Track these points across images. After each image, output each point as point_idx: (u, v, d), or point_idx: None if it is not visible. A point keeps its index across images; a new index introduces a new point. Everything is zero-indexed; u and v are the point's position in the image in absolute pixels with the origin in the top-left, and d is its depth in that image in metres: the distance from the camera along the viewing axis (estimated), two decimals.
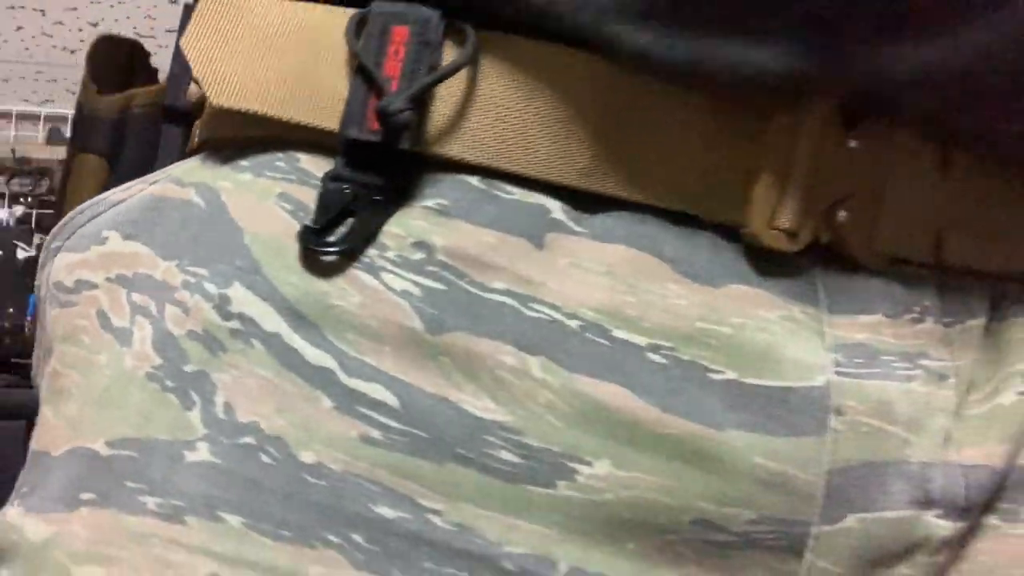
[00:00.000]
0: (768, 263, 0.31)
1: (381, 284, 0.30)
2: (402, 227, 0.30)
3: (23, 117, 3.21)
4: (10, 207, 2.94)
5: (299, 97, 0.31)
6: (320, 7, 0.32)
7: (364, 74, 0.30)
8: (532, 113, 0.31)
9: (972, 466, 0.31)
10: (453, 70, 0.30)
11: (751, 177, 0.31)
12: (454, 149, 0.30)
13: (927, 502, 0.31)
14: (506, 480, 0.29)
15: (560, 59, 0.31)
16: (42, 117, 3.20)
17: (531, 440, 0.29)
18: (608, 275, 0.30)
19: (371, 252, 0.30)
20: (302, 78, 0.31)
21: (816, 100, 0.31)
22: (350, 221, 0.30)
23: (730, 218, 0.31)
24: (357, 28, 0.31)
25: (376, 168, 0.30)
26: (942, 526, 0.31)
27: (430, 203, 0.31)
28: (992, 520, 0.32)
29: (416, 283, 0.30)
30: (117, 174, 0.47)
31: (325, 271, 0.30)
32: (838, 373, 0.30)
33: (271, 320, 0.30)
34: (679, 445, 0.30)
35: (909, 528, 0.31)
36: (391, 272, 0.30)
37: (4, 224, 2.86)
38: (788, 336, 0.31)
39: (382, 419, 0.29)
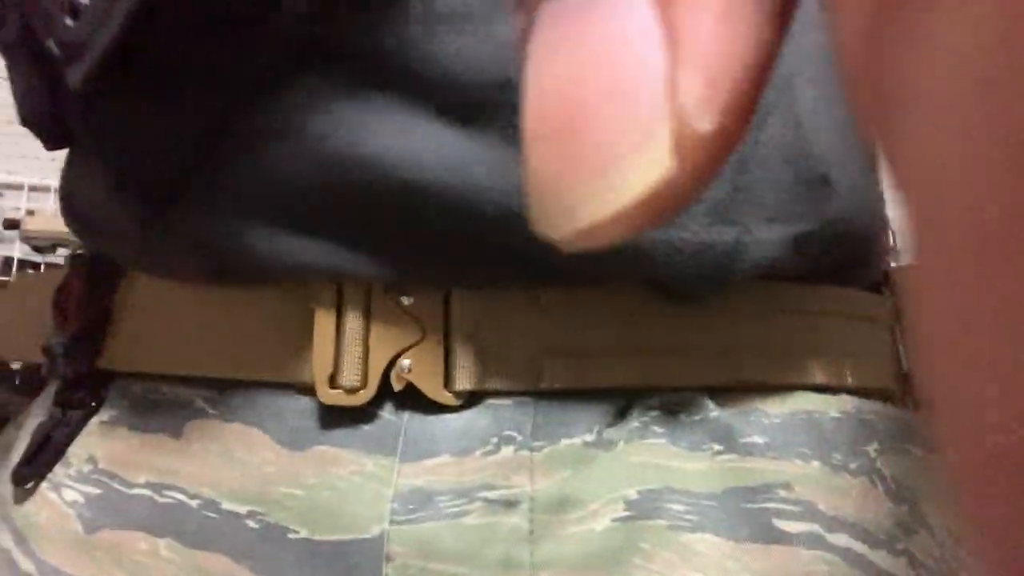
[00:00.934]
0: (352, 419, 0.34)
1: (59, 498, 0.37)
2: (80, 444, 0.38)
3: None
4: None
5: None
6: None
7: None
8: (174, 320, 0.37)
9: None
10: None
11: (313, 344, 0.35)
12: (124, 364, 0.38)
13: None
14: None
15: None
16: None
17: None
18: (223, 453, 0.35)
19: (59, 470, 0.38)
20: None
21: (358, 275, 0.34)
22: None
23: (305, 383, 0.35)
24: None
25: (72, 396, 0.38)
26: None
27: (105, 416, 0.38)
28: None
29: (82, 492, 0.37)
30: None
31: (29, 493, 0.38)
32: (392, 522, 0.33)
33: (5, 538, 0.38)
34: None
35: None
36: (68, 486, 0.37)
37: None
38: (353, 491, 0.33)
39: None
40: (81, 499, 0.36)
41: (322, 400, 0.34)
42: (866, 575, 0.34)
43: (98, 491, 0.36)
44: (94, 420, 0.38)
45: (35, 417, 0.40)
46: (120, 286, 0.39)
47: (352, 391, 0.34)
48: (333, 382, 0.34)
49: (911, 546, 0.35)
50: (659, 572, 0.33)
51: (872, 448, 0.37)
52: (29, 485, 0.38)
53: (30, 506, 0.38)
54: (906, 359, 0.44)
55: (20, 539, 0.37)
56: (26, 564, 0.36)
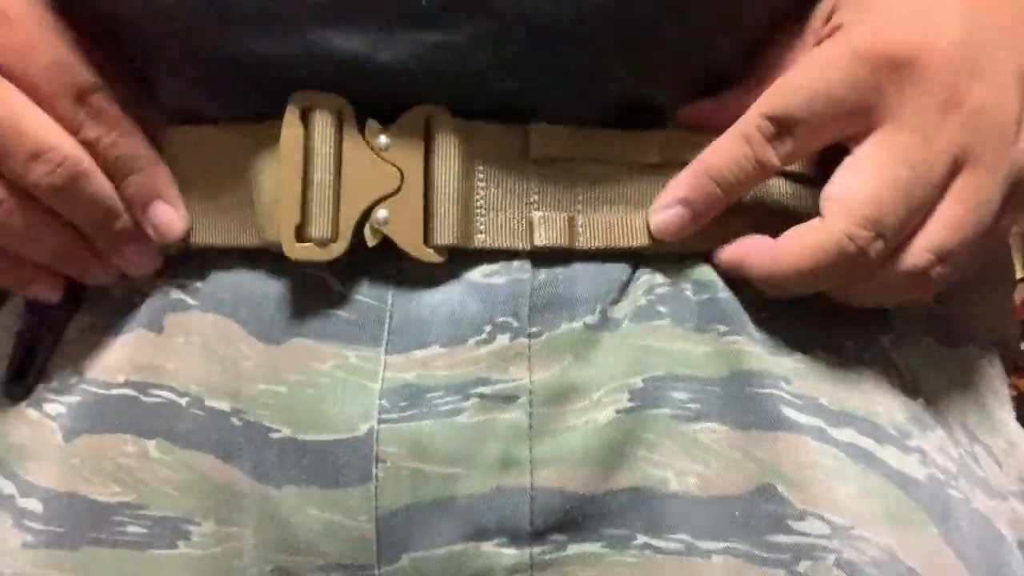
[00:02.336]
0: (330, 304, 0.32)
1: (41, 413, 0.35)
2: (61, 354, 0.36)
3: None
4: None
5: None
6: None
7: None
8: None
9: (542, 489, 0.31)
10: None
11: (277, 193, 0.31)
12: None
13: (481, 533, 0.30)
14: (135, 549, 0.33)
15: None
16: None
17: (154, 511, 0.33)
18: (203, 347, 0.33)
19: (40, 386, 0.36)
20: None
21: (324, 100, 0.31)
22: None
23: (272, 239, 0.32)
24: None
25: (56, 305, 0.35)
26: (505, 554, 0.31)
27: (84, 321, 0.36)
28: (594, 547, 0.31)
29: (64, 403, 0.35)
30: None
31: (9, 415, 0.36)
32: (381, 420, 0.31)
33: None
34: (254, 502, 0.32)
35: (462, 561, 0.31)
36: (50, 400, 0.35)
37: None
38: (337, 388, 0.31)
39: (32, 524, 0.34)
40: (63, 410, 0.35)
41: (288, 254, 0.31)
42: (872, 470, 0.32)
43: (79, 399, 0.34)
44: (73, 325, 0.36)
45: (6, 321, 0.38)
46: None
47: (322, 244, 0.31)
48: (301, 234, 0.31)
49: (924, 443, 0.33)
50: (662, 462, 0.31)
51: (887, 338, 0.35)
52: (20, 402, 0.36)
53: (7, 427, 0.36)
54: None
55: (1, 462, 0.35)
56: (7, 486, 0.35)
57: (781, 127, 0.31)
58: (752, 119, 0.31)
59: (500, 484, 0.31)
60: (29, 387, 0.36)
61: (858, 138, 0.31)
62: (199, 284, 0.34)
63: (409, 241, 0.31)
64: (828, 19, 0.32)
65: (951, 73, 0.30)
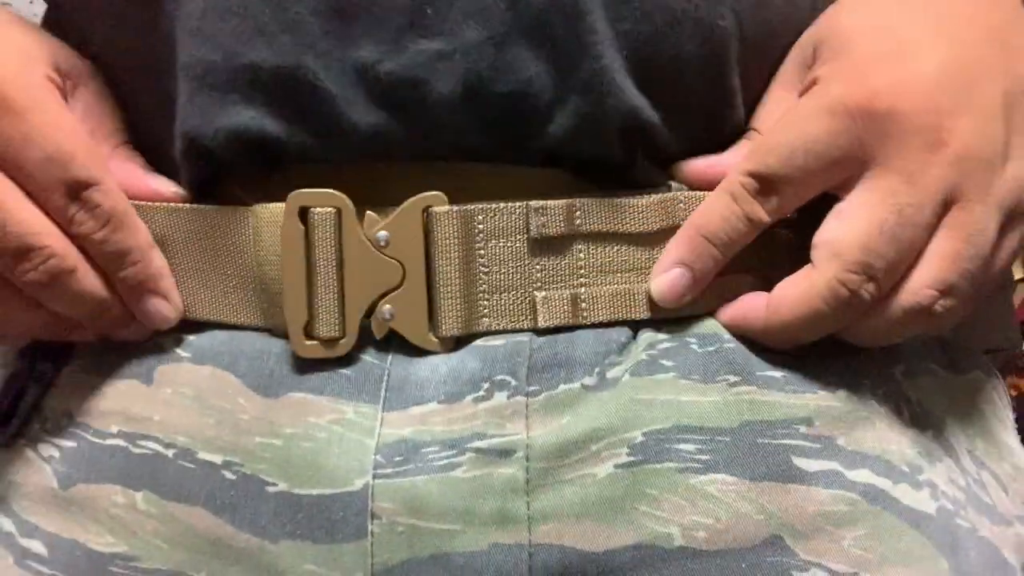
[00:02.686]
0: (330, 363, 0.32)
1: (36, 453, 0.35)
2: (53, 396, 0.36)
3: None
4: None
5: None
6: None
7: None
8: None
9: (540, 545, 0.30)
10: None
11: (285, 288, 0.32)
12: None
13: None
14: None
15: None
16: None
17: (145, 564, 0.33)
18: (196, 399, 0.33)
19: (35, 425, 0.36)
20: None
21: (322, 197, 0.31)
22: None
23: (278, 326, 0.33)
24: None
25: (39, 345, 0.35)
26: None
27: (75, 366, 0.36)
28: None
29: (57, 446, 0.35)
30: None
31: (6, 451, 0.36)
32: (376, 475, 0.31)
33: None
34: (247, 556, 0.31)
35: None
36: (44, 441, 0.35)
37: None
38: (334, 443, 0.31)
39: (38, 567, 0.34)
40: (56, 453, 0.35)
41: (298, 353, 0.32)
42: (887, 511, 0.32)
43: (73, 444, 0.34)
44: (65, 370, 0.36)
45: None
46: None
47: (330, 342, 0.32)
48: (309, 332, 0.32)
49: (934, 476, 0.33)
50: (666, 519, 0.31)
51: (898, 370, 0.35)
52: (11, 444, 0.36)
53: (7, 464, 0.36)
54: None
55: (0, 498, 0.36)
56: (6, 523, 0.35)
57: (765, 184, 0.31)
58: (736, 177, 0.31)
59: (497, 540, 0.30)
60: (14, 434, 0.36)
61: (846, 186, 0.31)
62: (192, 337, 0.34)
63: (415, 334, 0.32)
64: (808, 66, 0.33)
65: (933, 114, 0.30)
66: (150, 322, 0.34)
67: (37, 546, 0.34)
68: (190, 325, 0.34)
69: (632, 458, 0.31)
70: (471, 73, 0.30)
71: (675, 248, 0.32)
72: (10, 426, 0.36)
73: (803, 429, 0.32)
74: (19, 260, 0.31)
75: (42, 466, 0.35)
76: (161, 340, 0.34)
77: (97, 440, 0.34)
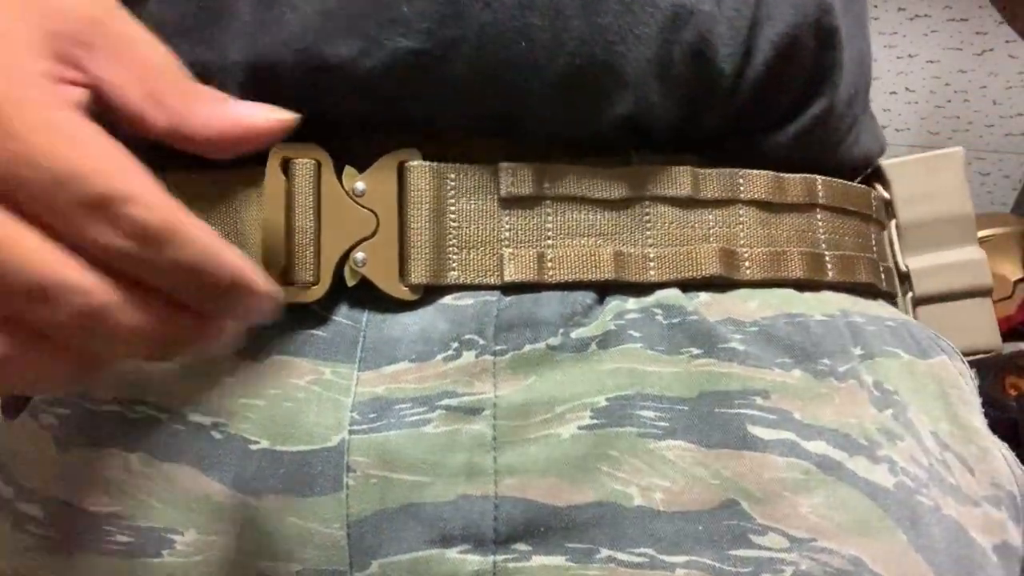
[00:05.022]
0: (308, 325, 0.33)
1: (35, 422, 0.37)
2: None
3: None
4: None
5: None
6: None
7: None
8: None
9: (505, 498, 0.32)
10: None
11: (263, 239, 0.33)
12: None
13: (446, 539, 0.32)
14: (122, 557, 0.34)
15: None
16: None
17: (139, 522, 0.34)
18: (186, 366, 0.34)
19: (36, 397, 0.37)
20: None
21: (303, 150, 0.33)
22: None
23: None
24: None
25: None
26: (469, 561, 0.31)
27: None
28: (557, 560, 0.32)
29: (56, 414, 0.36)
30: None
31: (9, 423, 0.38)
32: (352, 431, 0.32)
33: None
34: (234, 512, 0.33)
35: (428, 567, 0.32)
36: (44, 411, 0.37)
37: None
38: (312, 402, 0.33)
39: (33, 529, 0.36)
40: (55, 421, 0.36)
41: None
42: (843, 481, 0.33)
43: (69, 411, 0.36)
44: None
45: None
46: None
47: (305, 287, 0.33)
48: (285, 278, 0.33)
49: (893, 453, 0.34)
50: (626, 479, 0.32)
51: (857, 351, 0.35)
52: (17, 416, 0.38)
53: (8, 433, 0.38)
54: (893, 255, 0.42)
55: (1, 468, 0.38)
56: (5, 490, 0.37)
57: None
58: None
59: (465, 492, 0.32)
60: (20, 410, 0.38)
61: None
62: None
63: (385, 281, 0.33)
64: None
65: None
66: (252, 321, 0.29)
67: (34, 509, 0.36)
68: None
69: (595, 421, 0.32)
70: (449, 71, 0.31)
71: None
72: (17, 404, 0.38)
73: (759, 400, 0.33)
74: (35, 304, 0.25)
75: (42, 433, 0.37)
76: None
77: (93, 407, 0.36)
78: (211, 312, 0.27)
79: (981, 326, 0.42)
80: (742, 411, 0.33)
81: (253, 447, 0.33)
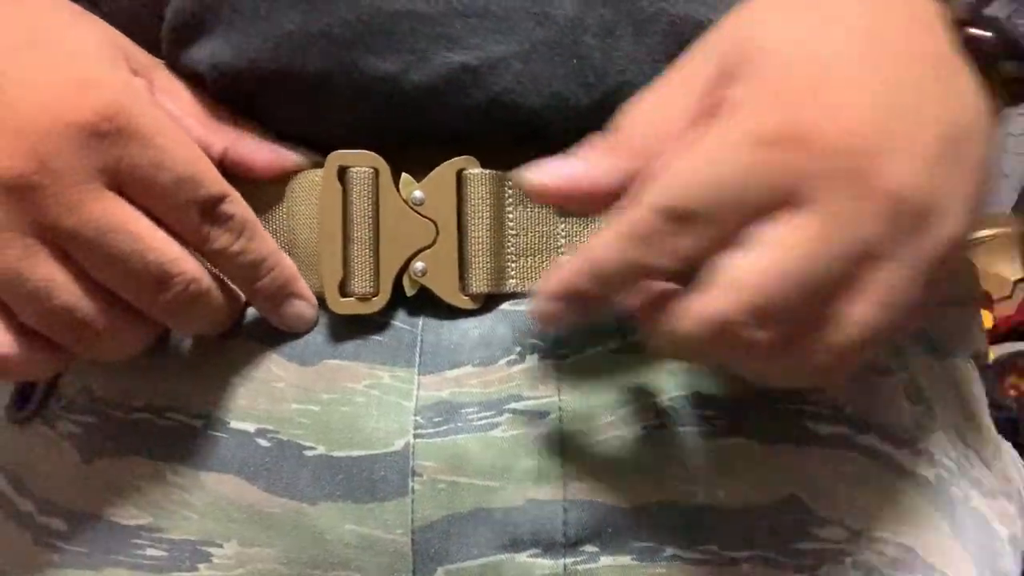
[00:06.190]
0: (363, 330, 0.33)
1: (54, 432, 0.35)
2: (71, 373, 0.36)
3: None
4: None
5: None
6: None
7: None
8: None
9: (574, 501, 0.32)
10: None
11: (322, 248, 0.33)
12: None
13: (516, 544, 0.31)
14: (154, 572, 0.33)
15: None
16: None
17: (172, 535, 0.33)
18: (227, 370, 0.34)
19: (52, 404, 0.36)
20: None
21: (359, 157, 0.32)
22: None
23: (313, 287, 0.33)
24: None
25: None
26: (539, 565, 0.31)
27: None
28: (624, 559, 0.32)
29: (78, 422, 0.35)
30: None
31: (22, 432, 0.36)
32: (417, 435, 0.32)
33: (1, 483, 0.37)
34: (284, 521, 0.32)
35: (498, 572, 0.31)
36: (63, 419, 0.35)
37: None
38: (371, 406, 0.32)
39: (58, 543, 0.34)
40: (77, 429, 0.35)
41: (333, 309, 0.33)
42: (892, 472, 0.34)
43: (94, 420, 0.35)
44: None
45: None
46: None
47: (364, 298, 0.33)
48: (344, 289, 0.33)
49: (930, 445, 0.36)
50: (689, 478, 0.32)
51: (897, 347, 0.37)
52: (26, 424, 0.36)
53: (24, 445, 0.36)
54: None
55: (15, 480, 0.36)
56: (24, 505, 0.35)
57: (677, 221, 0.26)
58: (646, 214, 0.27)
59: (534, 496, 0.32)
60: (31, 413, 0.36)
61: (760, 222, 0.26)
62: None
63: (446, 290, 0.33)
64: (716, 78, 0.28)
65: (863, 154, 0.25)
66: (291, 326, 0.33)
67: (56, 523, 0.34)
68: None
69: (658, 421, 0.32)
70: (498, 87, 0.31)
71: (560, 278, 0.29)
72: (29, 403, 0.36)
73: (814, 396, 0.34)
74: (159, 289, 0.30)
75: (61, 443, 0.35)
76: None
77: (120, 414, 0.34)
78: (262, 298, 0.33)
79: (969, 330, 0.42)
80: (798, 407, 0.33)
81: (308, 453, 0.32)
